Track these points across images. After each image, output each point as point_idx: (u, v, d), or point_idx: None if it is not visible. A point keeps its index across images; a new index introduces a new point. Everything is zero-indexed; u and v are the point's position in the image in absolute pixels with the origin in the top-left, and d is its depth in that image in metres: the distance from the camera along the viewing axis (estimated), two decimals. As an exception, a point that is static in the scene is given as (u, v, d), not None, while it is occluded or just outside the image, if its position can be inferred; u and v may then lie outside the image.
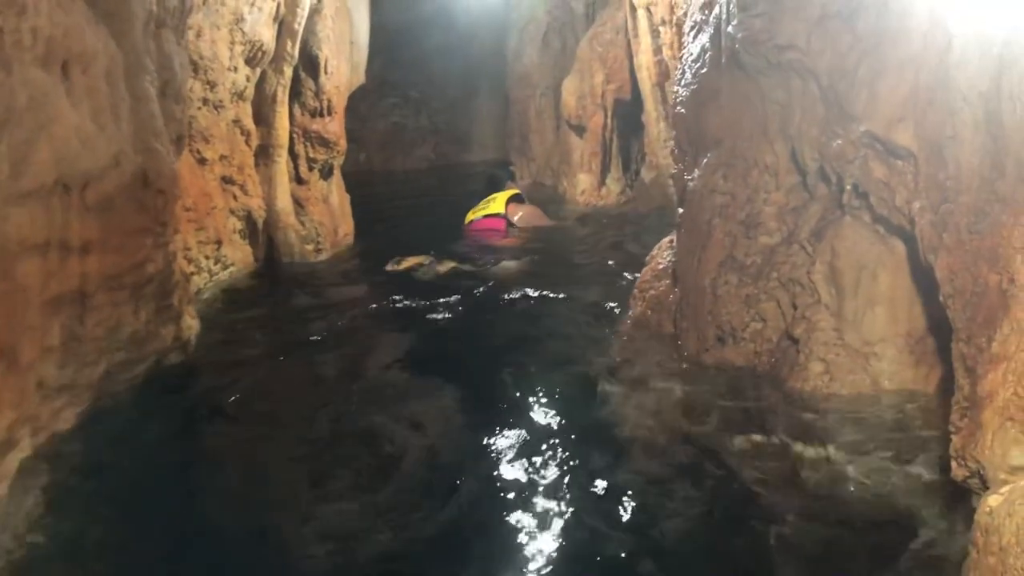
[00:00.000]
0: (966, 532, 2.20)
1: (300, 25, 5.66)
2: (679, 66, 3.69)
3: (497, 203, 7.16)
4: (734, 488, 2.64)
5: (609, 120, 8.05)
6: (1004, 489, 1.95)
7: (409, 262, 5.81)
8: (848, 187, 2.81)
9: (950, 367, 2.71)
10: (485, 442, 2.99)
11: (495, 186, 7.56)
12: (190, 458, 3.05)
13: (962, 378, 2.23)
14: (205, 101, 5.07)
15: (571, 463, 2.82)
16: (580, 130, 8.22)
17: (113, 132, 2.69)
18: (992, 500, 1.94)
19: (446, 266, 5.79)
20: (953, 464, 2.23)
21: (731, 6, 3.07)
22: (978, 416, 2.12)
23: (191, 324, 3.75)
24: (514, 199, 7.25)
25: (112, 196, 2.74)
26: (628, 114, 8.05)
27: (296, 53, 5.73)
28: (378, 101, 11.77)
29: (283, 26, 5.57)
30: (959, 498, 2.31)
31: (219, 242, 5.27)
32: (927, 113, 2.39)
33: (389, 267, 5.79)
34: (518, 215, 7.10)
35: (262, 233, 5.83)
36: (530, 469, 2.78)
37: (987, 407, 2.10)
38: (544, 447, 2.92)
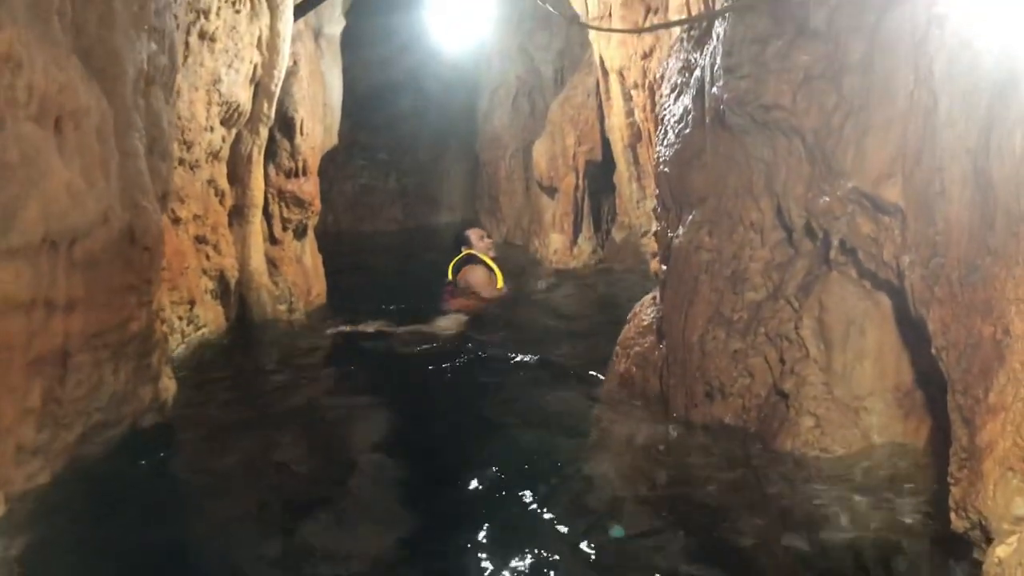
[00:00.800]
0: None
1: (277, 87, 5.70)
2: (661, 126, 3.76)
3: (450, 271, 7.09)
4: (724, 546, 2.60)
5: (580, 181, 8.18)
6: (1012, 539, 1.95)
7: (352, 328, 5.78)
8: (835, 243, 2.85)
9: (939, 420, 2.74)
10: (461, 511, 2.91)
11: (459, 246, 7.52)
12: (164, 525, 2.95)
13: (959, 429, 2.25)
14: (181, 161, 5.04)
15: (558, 525, 2.77)
16: (552, 191, 8.33)
17: (102, 189, 2.66)
18: (1000, 551, 1.95)
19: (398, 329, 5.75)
20: (952, 516, 2.23)
21: (715, 68, 3.15)
22: (978, 467, 2.13)
23: (168, 385, 3.68)
24: (465, 261, 7.09)
25: (99, 253, 2.69)
26: (598, 175, 8.19)
27: (272, 114, 5.75)
28: (347, 163, 11.83)
29: (259, 87, 5.60)
30: (955, 550, 2.31)
31: (192, 302, 5.19)
32: (915, 170, 2.45)
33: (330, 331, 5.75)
34: (463, 278, 7.00)
35: (234, 293, 5.76)
36: (512, 540, 2.69)
37: (987, 458, 2.11)
38: (527, 513, 2.85)
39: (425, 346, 5.46)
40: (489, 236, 7.22)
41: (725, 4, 3.22)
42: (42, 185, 2.38)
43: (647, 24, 5.91)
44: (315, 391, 4.56)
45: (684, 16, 4.68)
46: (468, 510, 2.91)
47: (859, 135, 2.66)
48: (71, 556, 2.61)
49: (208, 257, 5.44)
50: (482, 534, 2.72)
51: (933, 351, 2.39)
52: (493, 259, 6.98)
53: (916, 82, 2.45)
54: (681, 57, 3.82)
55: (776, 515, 2.71)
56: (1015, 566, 1.86)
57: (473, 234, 7.11)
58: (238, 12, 5.06)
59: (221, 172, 5.49)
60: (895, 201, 2.56)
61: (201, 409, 4.07)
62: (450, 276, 6.99)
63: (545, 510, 2.88)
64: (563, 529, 2.74)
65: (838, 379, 2.99)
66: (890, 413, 2.95)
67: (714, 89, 3.18)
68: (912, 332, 2.73)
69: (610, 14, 6.29)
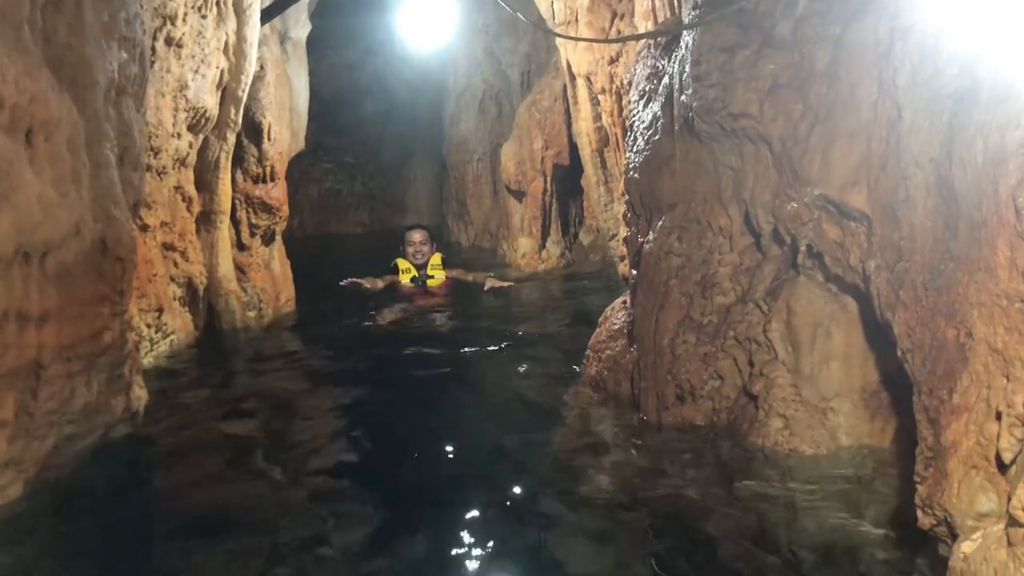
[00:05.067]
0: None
1: (244, 92, 5.66)
2: (630, 133, 3.81)
3: None
4: (696, 547, 2.64)
5: (548, 185, 8.23)
6: (976, 535, 2.02)
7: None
8: (802, 248, 2.92)
9: (904, 420, 2.81)
10: (433, 517, 2.90)
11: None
12: (135, 537, 2.92)
13: (925, 429, 2.31)
14: (148, 167, 5.00)
15: (529, 530, 2.77)
16: (519, 195, 8.36)
17: (74, 200, 2.64)
18: (966, 546, 2.01)
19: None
20: (919, 513, 2.29)
21: (684, 76, 3.20)
22: (943, 465, 2.19)
23: (140, 395, 3.65)
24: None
25: (72, 265, 2.67)
26: (566, 178, 8.25)
27: (239, 119, 5.72)
28: (312, 166, 11.79)
29: (226, 93, 5.55)
30: (920, 547, 2.38)
31: (160, 310, 5.15)
32: (880, 178, 2.51)
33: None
34: None
35: (203, 300, 5.72)
36: (485, 546, 2.70)
37: (951, 456, 2.17)
38: (496, 517, 2.87)
39: (394, 349, 5.49)
40: (422, 240, 7.36)
41: (692, 12, 3.27)
42: (14, 197, 2.36)
43: (613, 29, 5.96)
44: (285, 397, 4.53)
45: (650, 22, 4.74)
46: (440, 515, 2.91)
47: (825, 143, 2.72)
48: (41, 571, 2.58)
49: (176, 264, 5.40)
50: (454, 540, 2.73)
51: (899, 353, 2.45)
52: (420, 263, 7.27)
53: (880, 92, 2.51)
54: (649, 63, 3.88)
55: (745, 513, 2.76)
56: (980, 561, 1.93)
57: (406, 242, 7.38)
58: (204, 18, 5.03)
59: (188, 178, 5.45)
60: (861, 208, 2.62)
61: (172, 418, 4.04)
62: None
63: (515, 513, 2.90)
64: (531, 530, 2.76)
65: (806, 381, 3.06)
66: (857, 414, 3.03)
67: (683, 97, 3.23)
68: (878, 335, 2.80)
69: (576, 19, 6.34)
